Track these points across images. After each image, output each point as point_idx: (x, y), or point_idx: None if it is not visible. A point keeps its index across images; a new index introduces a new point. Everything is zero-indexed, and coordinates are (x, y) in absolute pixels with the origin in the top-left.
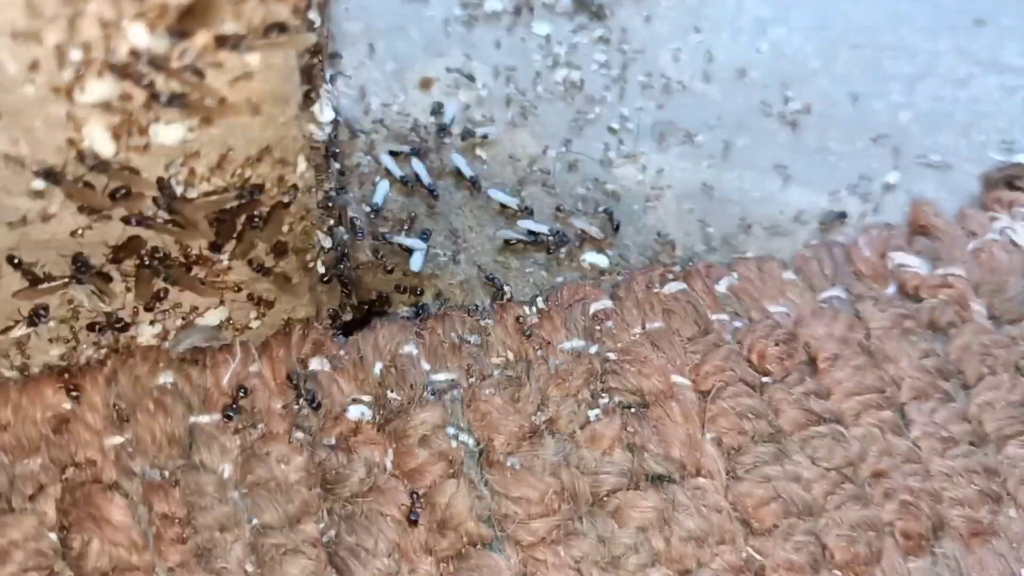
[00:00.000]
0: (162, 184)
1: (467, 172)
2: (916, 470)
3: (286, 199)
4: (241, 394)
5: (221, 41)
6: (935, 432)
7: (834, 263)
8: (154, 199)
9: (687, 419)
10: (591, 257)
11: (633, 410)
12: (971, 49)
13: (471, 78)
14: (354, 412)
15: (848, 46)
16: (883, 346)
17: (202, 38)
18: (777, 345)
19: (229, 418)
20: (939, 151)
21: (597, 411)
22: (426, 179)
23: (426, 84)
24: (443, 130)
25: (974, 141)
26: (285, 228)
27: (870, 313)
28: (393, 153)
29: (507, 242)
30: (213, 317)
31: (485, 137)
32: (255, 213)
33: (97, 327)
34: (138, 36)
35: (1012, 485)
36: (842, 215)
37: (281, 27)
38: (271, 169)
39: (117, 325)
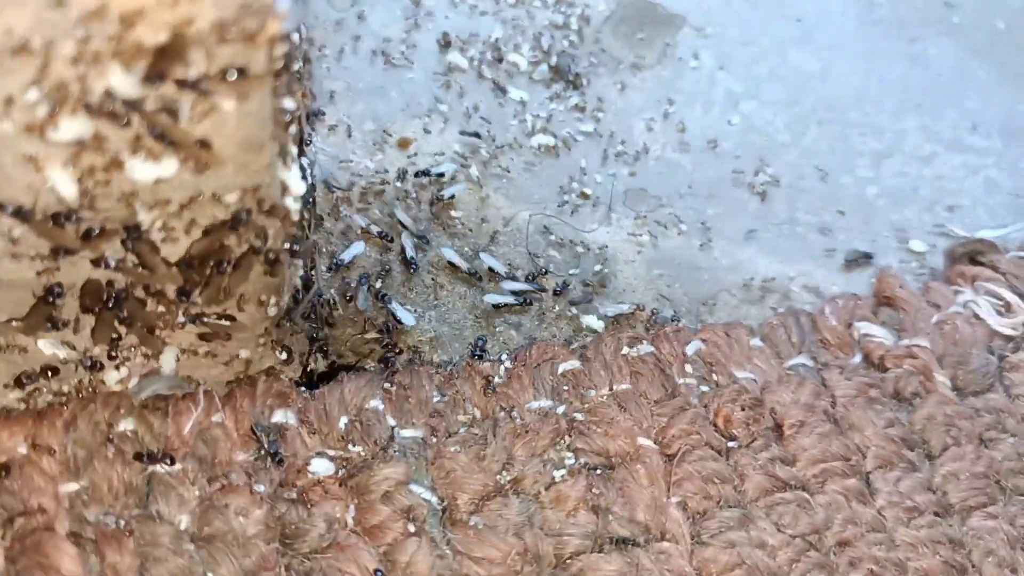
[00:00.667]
0: (132, 227)
1: (461, 265)
2: (881, 539)
3: (257, 245)
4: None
5: (181, 82)
6: (900, 501)
7: (801, 331)
8: (123, 242)
9: (652, 482)
10: (589, 321)
11: (599, 472)
12: (936, 129)
13: (475, 135)
14: (317, 466)
15: (817, 122)
16: (848, 414)
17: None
18: (743, 410)
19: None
20: (903, 226)
21: (563, 471)
22: (410, 252)
23: (404, 144)
24: (421, 174)
25: (938, 216)
26: (254, 276)
27: (836, 381)
28: (382, 235)
29: (495, 306)
30: (167, 358)
31: (452, 197)
32: (224, 259)
33: (55, 372)
34: (114, 76)
35: (976, 557)
36: (867, 255)
37: (241, 71)
38: (243, 216)
39: (75, 370)
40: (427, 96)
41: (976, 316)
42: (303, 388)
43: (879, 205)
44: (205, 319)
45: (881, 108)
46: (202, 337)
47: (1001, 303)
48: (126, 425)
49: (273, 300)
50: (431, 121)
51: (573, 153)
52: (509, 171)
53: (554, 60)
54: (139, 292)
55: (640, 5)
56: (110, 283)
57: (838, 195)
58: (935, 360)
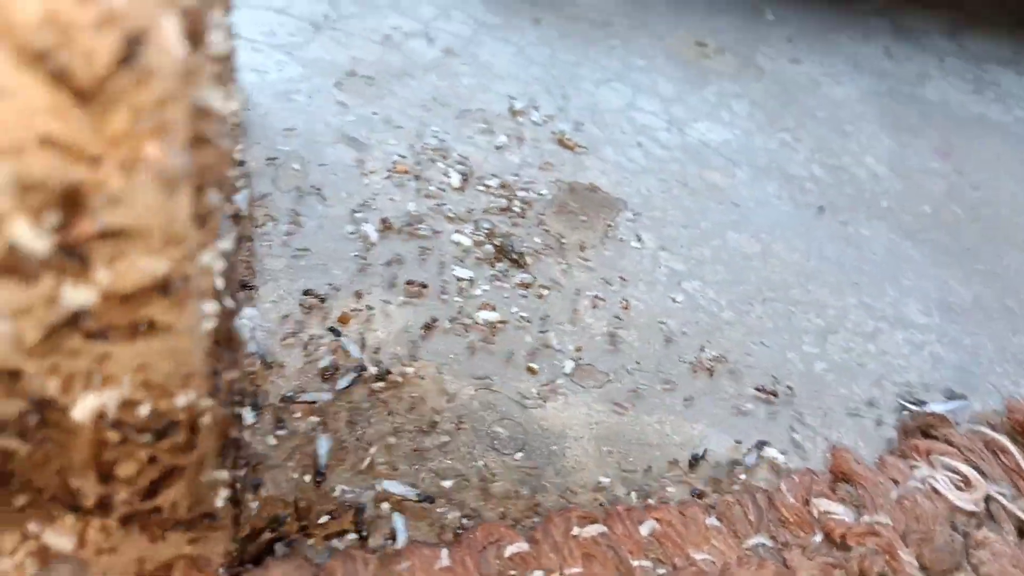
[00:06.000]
0: (38, 392)
1: (409, 495)
2: None
3: (186, 432)
4: None
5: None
6: None
7: (758, 509)
8: (31, 412)
9: None
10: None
11: None
12: (876, 306)
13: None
14: None
15: (760, 300)
16: None
17: (84, 226)
18: None
19: None
20: (853, 400)
21: None
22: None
23: (344, 320)
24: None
25: (887, 391)
26: (182, 462)
27: (798, 562)
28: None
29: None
30: (66, 540)
31: (389, 373)
32: (150, 442)
33: None
34: (20, 230)
35: None
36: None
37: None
38: (171, 398)
39: None
40: (370, 273)
41: (935, 491)
42: (232, 571)
43: (828, 380)
44: (121, 500)
45: (821, 285)
46: (121, 523)
47: (959, 478)
48: None
49: (204, 488)
50: (373, 298)
51: (519, 330)
52: (454, 347)
53: (498, 240)
54: (46, 470)
55: (581, 190)
56: (7, 453)
57: (785, 371)
58: (899, 538)
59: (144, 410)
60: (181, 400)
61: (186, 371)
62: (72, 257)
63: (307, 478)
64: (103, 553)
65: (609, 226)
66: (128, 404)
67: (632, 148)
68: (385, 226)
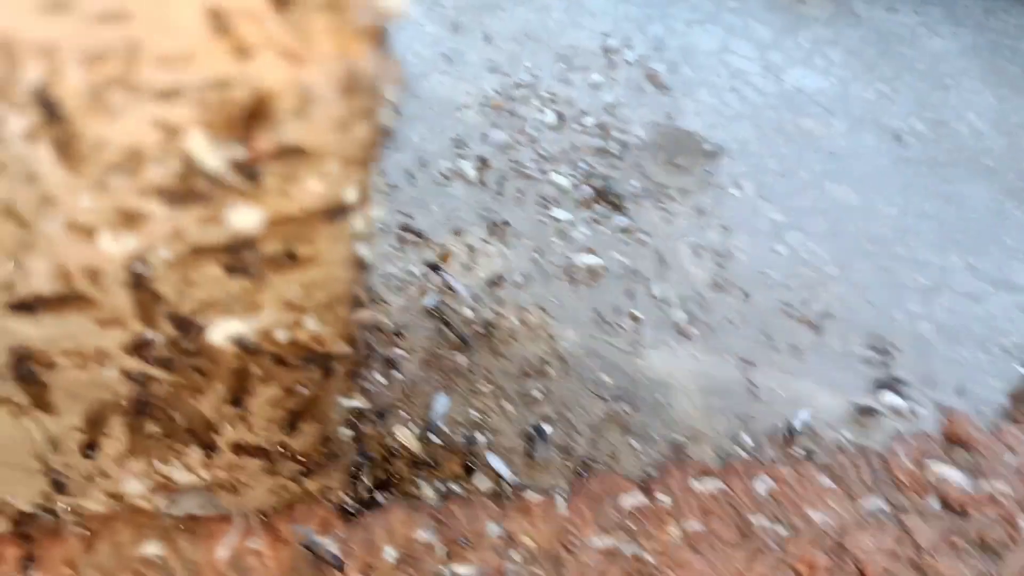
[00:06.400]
0: (184, 318)
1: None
2: None
3: (323, 365)
4: None
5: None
6: None
7: (872, 471)
8: (175, 339)
9: None
10: None
11: None
12: (981, 267)
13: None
14: None
15: (862, 255)
16: (935, 563)
17: (262, 142)
18: (827, 556)
19: None
20: (961, 363)
21: None
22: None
23: (445, 257)
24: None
25: (995, 355)
26: (318, 395)
27: (917, 527)
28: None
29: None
30: (198, 471)
31: (492, 315)
32: (289, 372)
33: (61, 487)
34: (198, 143)
35: None
36: (897, 380)
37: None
38: (313, 329)
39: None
40: (468, 212)
41: None
42: (351, 512)
43: (934, 341)
44: (252, 434)
45: (923, 242)
46: (249, 458)
47: None
48: (151, 548)
49: (331, 422)
50: (472, 237)
51: (620, 275)
52: (555, 291)
53: (596, 183)
54: (183, 399)
55: (677, 134)
56: (153, 383)
57: (891, 330)
58: (1019, 507)
59: (285, 339)
60: (323, 331)
61: (331, 302)
62: (245, 176)
63: (417, 421)
64: (230, 487)
65: (707, 172)
66: (270, 332)
67: (727, 92)
68: (482, 163)
